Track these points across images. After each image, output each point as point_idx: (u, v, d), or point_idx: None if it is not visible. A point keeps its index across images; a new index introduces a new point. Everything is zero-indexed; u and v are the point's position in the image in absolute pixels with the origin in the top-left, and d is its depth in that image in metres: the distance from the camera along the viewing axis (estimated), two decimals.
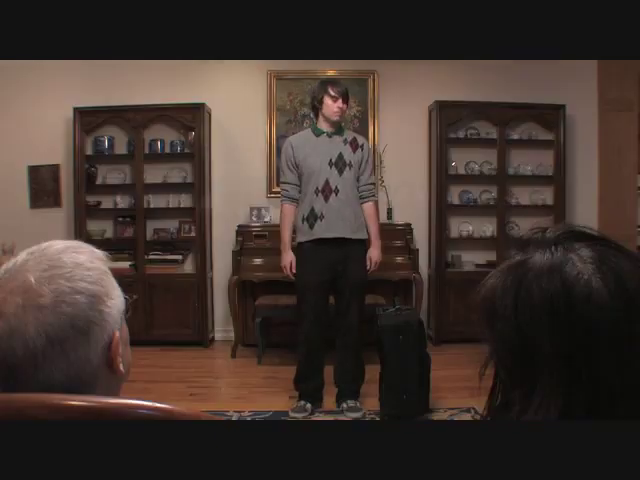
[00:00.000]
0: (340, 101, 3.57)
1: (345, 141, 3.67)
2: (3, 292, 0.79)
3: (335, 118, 3.61)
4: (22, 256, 0.83)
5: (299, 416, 3.60)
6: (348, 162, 3.62)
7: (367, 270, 3.70)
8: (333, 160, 3.61)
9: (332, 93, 3.56)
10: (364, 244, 3.72)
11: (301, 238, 3.66)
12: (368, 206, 3.72)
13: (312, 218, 3.59)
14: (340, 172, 3.60)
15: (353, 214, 3.63)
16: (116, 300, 0.86)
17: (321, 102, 3.61)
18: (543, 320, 0.64)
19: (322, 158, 3.60)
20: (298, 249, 3.68)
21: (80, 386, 0.79)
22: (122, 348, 0.87)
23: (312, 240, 3.60)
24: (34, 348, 0.77)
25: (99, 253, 0.89)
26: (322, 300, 3.67)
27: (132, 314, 0.92)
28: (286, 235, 3.70)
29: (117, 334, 0.84)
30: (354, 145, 3.68)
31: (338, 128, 3.71)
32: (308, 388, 3.71)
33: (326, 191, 3.59)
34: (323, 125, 3.67)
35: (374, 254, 3.71)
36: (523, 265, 0.69)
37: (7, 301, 0.78)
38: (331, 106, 3.58)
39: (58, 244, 0.86)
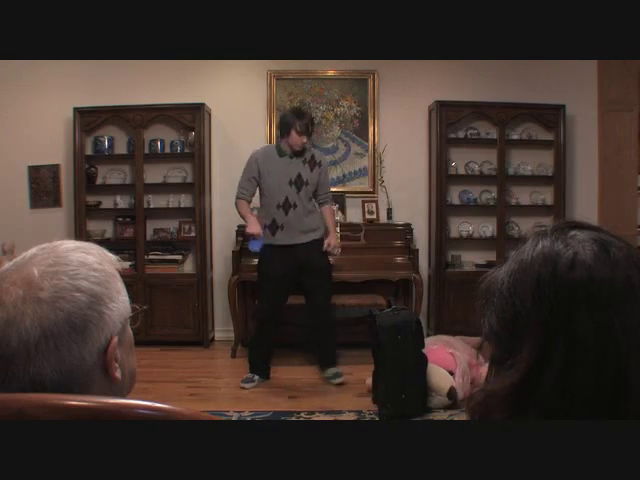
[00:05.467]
0: (305, 137, 4.05)
1: (304, 161, 4.15)
2: (7, 282, 0.80)
3: (297, 149, 4.10)
4: (32, 251, 0.84)
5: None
6: (305, 181, 4.13)
7: (326, 254, 4.25)
8: (292, 180, 4.12)
9: (298, 128, 4.02)
10: (321, 240, 4.24)
11: (265, 241, 4.15)
12: (326, 208, 4.32)
13: (274, 227, 4.15)
14: (298, 190, 4.13)
15: (307, 223, 4.17)
16: (119, 305, 0.85)
17: (289, 132, 4.06)
18: (530, 289, 0.71)
19: (282, 178, 4.12)
20: (262, 249, 4.17)
21: (74, 385, 0.79)
22: (123, 355, 0.86)
23: (274, 245, 4.15)
24: (27, 340, 0.77)
25: (110, 257, 0.89)
26: (282, 290, 4.23)
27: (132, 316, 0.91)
28: (247, 214, 4.17)
29: (115, 339, 0.83)
30: (312, 164, 4.17)
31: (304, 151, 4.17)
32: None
33: (286, 206, 4.12)
34: (287, 148, 4.14)
35: (331, 239, 4.22)
36: (519, 251, 0.76)
37: (9, 291, 0.79)
38: (296, 139, 4.05)
39: (70, 243, 0.86)
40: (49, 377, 0.78)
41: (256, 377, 4.26)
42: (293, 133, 4.04)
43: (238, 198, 4.23)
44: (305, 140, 4.06)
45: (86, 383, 0.80)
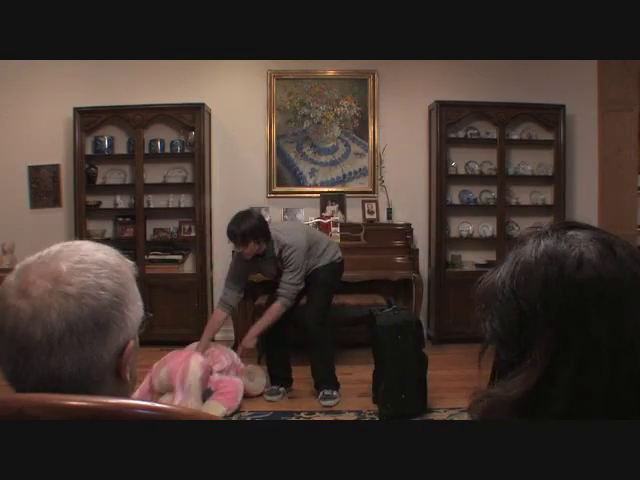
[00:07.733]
0: (241, 247, 3.80)
1: (276, 259, 3.93)
2: (34, 275, 0.81)
3: (248, 258, 3.86)
4: (56, 247, 0.86)
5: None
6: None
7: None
8: (274, 274, 4.02)
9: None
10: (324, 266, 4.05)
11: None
12: (274, 306, 3.93)
13: None
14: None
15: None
16: (137, 308, 0.88)
17: None
18: (537, 291, 0.70)
19: (268, 273, 4.11)
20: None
21: (88, 383, 0.80)
22: (132, 358, 0.88)
23: None
24: (52, 333, 0.78)
25: (128, 262, 0.91)
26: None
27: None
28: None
29: (132, 343, 0.85)
30: (281, 258, 3.92)
31: (268, 251, 3.90)
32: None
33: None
34: None
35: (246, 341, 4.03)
36: (518, 252, 0.74)
37: (36, 284, 0.80)
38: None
39: (90, 244, 0.89)
40: (68, 372, 0.79)
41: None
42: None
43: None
44: (242, 249, 3.82)
45: (99, 382, 0.82)
